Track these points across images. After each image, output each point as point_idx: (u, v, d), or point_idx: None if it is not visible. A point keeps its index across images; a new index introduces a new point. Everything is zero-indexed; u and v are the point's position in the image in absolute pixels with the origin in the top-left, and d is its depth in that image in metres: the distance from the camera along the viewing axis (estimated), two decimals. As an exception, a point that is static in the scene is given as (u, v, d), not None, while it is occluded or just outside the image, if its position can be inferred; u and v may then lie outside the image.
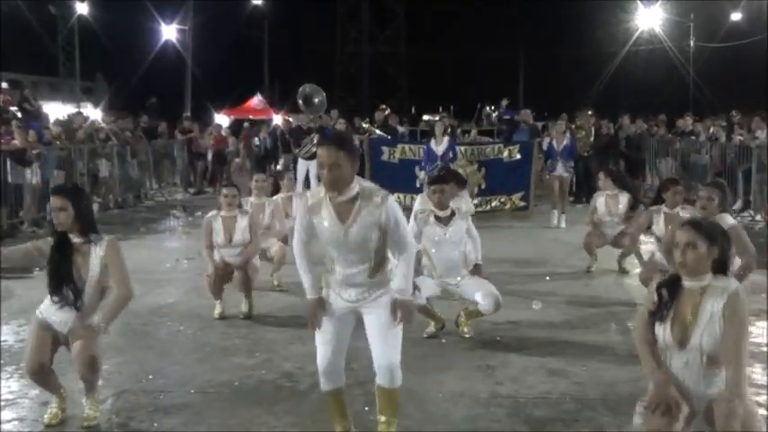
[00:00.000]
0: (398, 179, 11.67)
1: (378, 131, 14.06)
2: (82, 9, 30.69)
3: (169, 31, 30.48)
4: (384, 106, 16.63)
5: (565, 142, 12.07)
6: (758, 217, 12.08)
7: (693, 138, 15.33)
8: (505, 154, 12.32)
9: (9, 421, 4.28)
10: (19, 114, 14.43)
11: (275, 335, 5.97)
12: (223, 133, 19.17)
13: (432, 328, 5.84)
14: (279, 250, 7.37)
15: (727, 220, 5.48)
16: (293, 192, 8.55)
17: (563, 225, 11.48)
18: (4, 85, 24.14)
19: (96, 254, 4.19)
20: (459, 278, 5.78)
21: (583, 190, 14.30)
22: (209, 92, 30.07)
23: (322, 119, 14.42)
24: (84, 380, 4.19)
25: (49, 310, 4.20)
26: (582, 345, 5.68)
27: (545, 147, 12.40)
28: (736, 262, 5.23)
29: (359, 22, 46.83)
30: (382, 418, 3.75)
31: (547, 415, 4.35)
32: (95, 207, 11.47)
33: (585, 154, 14.30)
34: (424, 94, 40.35)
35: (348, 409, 3.93)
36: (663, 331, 3.30)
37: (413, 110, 35.37)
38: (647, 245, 7.38)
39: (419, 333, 5.74)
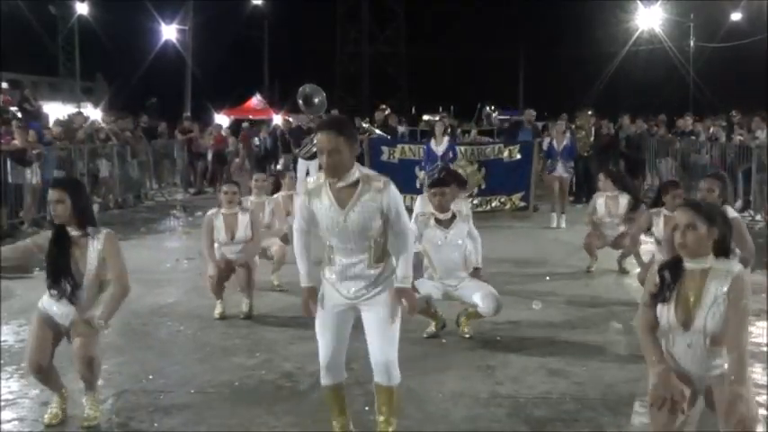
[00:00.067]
0: (398, 179, 11.43)
1: (378, 131, 14.05)
2: (82, 9, 30.66)
3: (169, 31, 30.49)
4: (384, 106, 16.61)
5: (565, 142, 12.06)
6: (758, 217, 12.08)
7: (693, 138, 15.32)
8: (505, 154, 12.33)
9: (9, 421, 4.28)
10: (19, 114, 14.45)
11: (275, 335, 5.97)
12: (223, 133, 19.18)
13: (432, 328, 5.84)
14: (279, 250, 7.37)
15: (729, 212, 5.47)
16: (294, 191, 8.56)
17: (563, 225, 11.48)
18: (4, 85, 24.16)
19: (94, 247, 4.18)
20: (459, 280, 5.78)
21: (583, 190, 14.29)
22: (209, 92, 30.12)
23: (322, 119, 14.39)
24: (84, 379, 4.19)
25: (50, 303, 4.20)
26: (582, 345, 5.68)
27: (545, 147, 12.40)
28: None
29: (359, 22, 46.80)
30: (381, 418, 3.75)
31: (547, 415, 4.35)
32: (95, 207, 11.47)
33: (585, 154, 14.30)
34: (424, 94, 40.42)
35: (347, 406, 3.94)
36: (666, 312, 3.28)
37: (413, 110, 35.30)
38: (647, 245, 7.37)
39: (419, 333, 5.74)
